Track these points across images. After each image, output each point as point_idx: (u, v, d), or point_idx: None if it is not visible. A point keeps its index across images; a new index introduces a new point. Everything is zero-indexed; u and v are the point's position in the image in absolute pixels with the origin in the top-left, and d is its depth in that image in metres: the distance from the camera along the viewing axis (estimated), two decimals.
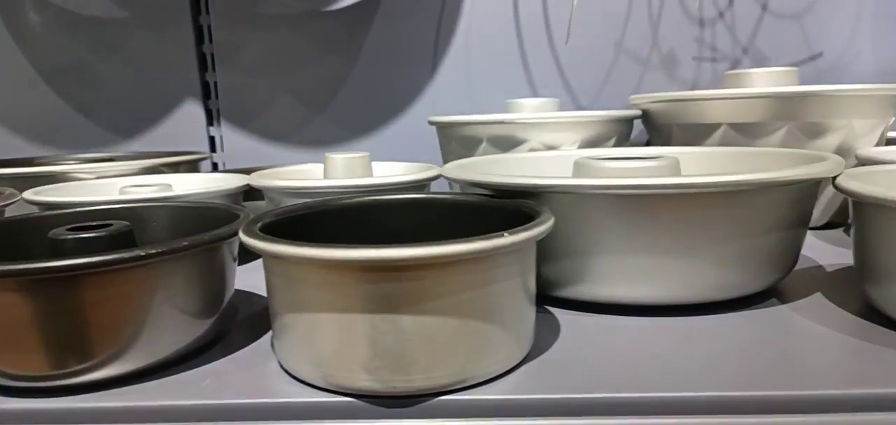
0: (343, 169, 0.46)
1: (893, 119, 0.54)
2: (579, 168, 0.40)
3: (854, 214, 0.33)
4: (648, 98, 0.57)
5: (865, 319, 0.32)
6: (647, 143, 0.62)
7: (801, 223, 0.35)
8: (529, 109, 0.60)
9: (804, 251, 0.45)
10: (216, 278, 0.29)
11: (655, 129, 0.59)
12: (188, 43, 0.72)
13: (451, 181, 0.40)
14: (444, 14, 0.71)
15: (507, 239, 0.24)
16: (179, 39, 0.73)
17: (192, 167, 0.61)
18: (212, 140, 0.75)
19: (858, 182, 0.31)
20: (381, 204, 0.34)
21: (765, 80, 0.56)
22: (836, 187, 0.33)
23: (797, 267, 0.40)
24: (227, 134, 0.75)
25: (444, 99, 0.72)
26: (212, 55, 0.73)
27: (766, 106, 0.49)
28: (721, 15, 0.70)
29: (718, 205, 0.31)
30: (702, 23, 0.70)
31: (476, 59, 0.72)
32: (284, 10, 0.72)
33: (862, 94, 0.49)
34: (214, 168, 0.75)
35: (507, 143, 0.54)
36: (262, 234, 0.25)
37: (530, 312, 0.28)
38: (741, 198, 0.31)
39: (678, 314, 0.33)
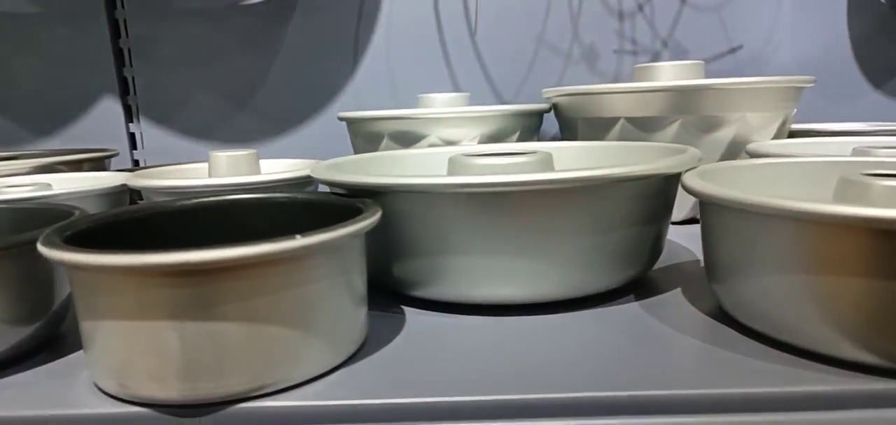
0: (227, 167, 0.46)
1: (794, 111, 0.54)
2: (451, 164, 0.39)
3: (700, 212, 0.33)
4: (554, 92, 0.56)
5: (714, 318, 0.31)
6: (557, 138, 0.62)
7: (656, 219, 0.35)
8: (438, 104, 0.59)
9: (679, 244, 0.45)
10: (34, 283, 0.28)
11: (564, 123, 0.59)
12: (104, 38, 0.71)
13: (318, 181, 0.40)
14: (363, 7, 0.70)
15: (296, 242, 0.23)
16: (95, 34, 0.71)
17: (98, 165, 0.60)
18: (132, 137, 0.74)
19: (700, 180, 0.31)
20: (222, 204, 0.33)
21: (669, 74, 0.56)
22: (682, 185, 0.33)
23: (667, 262, 0.41)
24: (146, 130, 0.73)
25: (366, 93, 0.72)
26: (129, 50, 0.72)
27: (661, 100, 0.49)
28: (640, 7, 0.69)
29: (559, 204, 0.31)
30: (621, 16, 0.70)
31: (397, 52, 0.71)
32: (201, 5, 0.70)
33: (753, 87, 0.49)
34: (136, 165, 0.74)
35: (407, 139, 0.53)
36: (56, 241, 0.25)
37: (354, 313, 0.28)
38: (583, 195, 0.31)
39: (531, 313, 0.33)
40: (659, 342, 0.29)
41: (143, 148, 0.74)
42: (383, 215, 0.29)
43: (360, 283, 0.28)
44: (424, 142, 0.53)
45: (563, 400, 0.24)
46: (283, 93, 0.72)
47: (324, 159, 0.52)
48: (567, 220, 0.31)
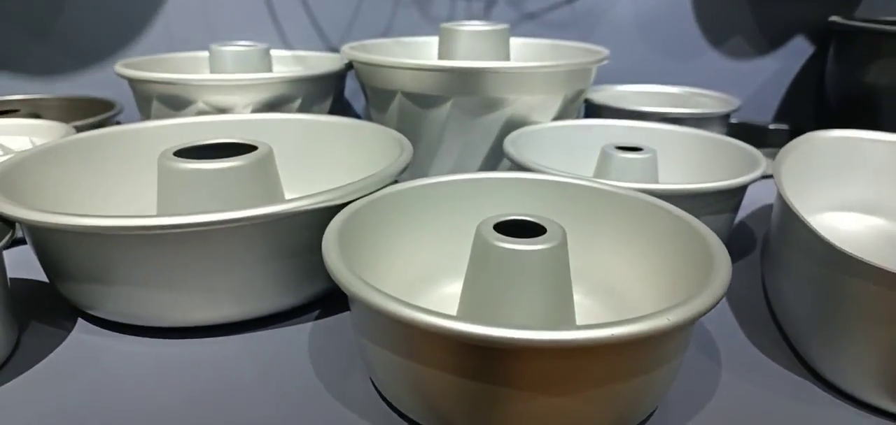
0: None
1: (587, 85, 0.52)
2: (159, 168, 0.37)
3: None
4: (347, 55, 0.53)
5: None
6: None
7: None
8: (228, 59, 0.56)
9: None
10: None
11: (361, 85, 0.56)
12: None
13: None
14: None
15: None
16: None
17: None
18: None
19: None
20: None
21: (467, 43, 0.53)
22: None
23: None
24: None
25: (178, 26, 0.66)
26: None
27: (434, 78, 0.47)
28: None
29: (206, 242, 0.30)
30: None
31: None
32: None
33: (529, 71, 0.47)
34: None
35: (176, 103, 0.50)
36: None
37: None
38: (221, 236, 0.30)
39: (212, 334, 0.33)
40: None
41: None
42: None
43: None
44: (192, 108, 0.50)
45: None
46: (88, 21, 0.65)
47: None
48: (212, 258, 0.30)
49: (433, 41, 0.64)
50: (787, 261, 0.34)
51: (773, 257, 0.37)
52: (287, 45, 0.66)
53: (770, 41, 0.70)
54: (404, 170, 0.36)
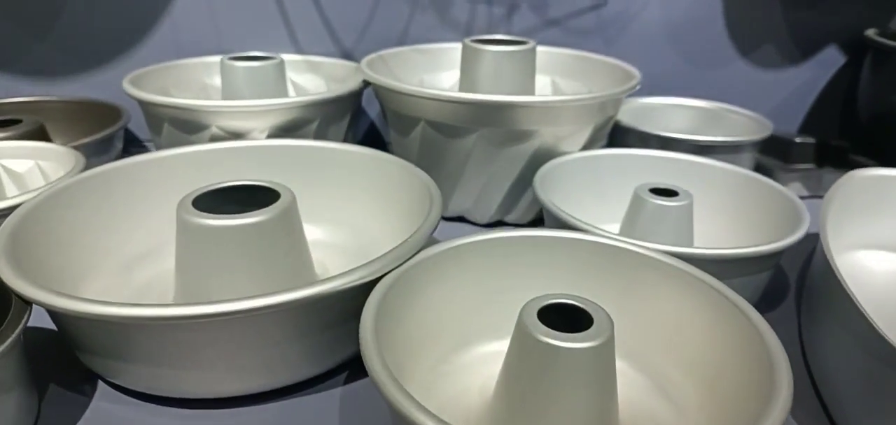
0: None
1: (616, 111, 0.50)
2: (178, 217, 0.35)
3: None
4: (368, 76, 0.50)
5: None
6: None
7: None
8: (244, 76, 0.53)
9: None
10: None
11: (380, 104, 0.54)
12: None
13: None
14: None
15: None
16: None
17: None
18: None
19: None
20: None
21: (490, 63, 0.51)
22: None
23: None
24: None
25: (186, 30, 0.63)
26: None
27: (463, 110, 0.45)
28: None
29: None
30: None
31: None
32: None
33: (554, 105, 0.45)
34: None
35: (188, 127, 0.48)
36: None
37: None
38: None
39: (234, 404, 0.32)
40: None
41: None
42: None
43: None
44: (206, 133, 0.48)
45: None
46: (86, 23, 0.63)
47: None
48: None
49: (453, 49, 0.61)
50: (832, 336, 0.33)
51: (815, 321, 0.36)
52: (298, 49, 0.64)
53: (802, 51, 0.68)
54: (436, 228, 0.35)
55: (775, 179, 0.62)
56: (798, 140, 0.69)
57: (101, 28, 0.62)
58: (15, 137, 0.52)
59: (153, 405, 0.31)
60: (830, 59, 0.68)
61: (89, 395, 0.32)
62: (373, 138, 0.68)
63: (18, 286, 0.28)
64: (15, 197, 0.37)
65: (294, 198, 0.36)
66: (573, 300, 0.28)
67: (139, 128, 0.62)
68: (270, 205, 0.35)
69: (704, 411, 0.30)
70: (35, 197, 0.36)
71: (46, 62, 0.63)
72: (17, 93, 0.64)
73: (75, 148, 0.49)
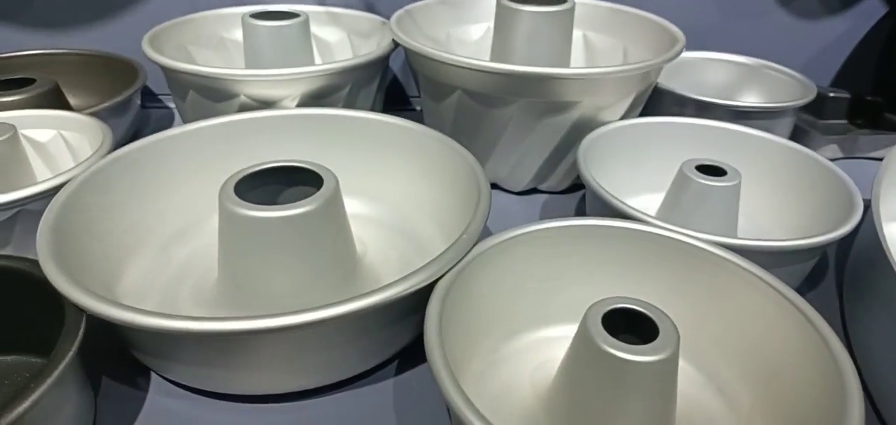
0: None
1: (650, 84, 0.48)
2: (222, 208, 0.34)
3: None
4: (400, 38, 0.48)
5: None
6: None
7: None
8: (266, 35, 0.50)
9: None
10: None
11: (410, 66, 0.51)
12: None
13: None
14: None
15: None
16: None
17: None
18: None
19: None
20: None
21: (526, 24, 0.48)
22: None
23: None
24: None
25: None
26: None
27: (499, 81, 0.43)
28: None
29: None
30: None
31: None
32: None
33: (599, 77, 0.43)
34: None
35: (215, 95, 0.46)
36: None
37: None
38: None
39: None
40: None
41: None
42: None
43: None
44: (234, 101, 0.46)
45: None
46: None
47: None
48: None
49: (481, 1, 0.59)
50: (876, 314, 0.33)
51: (859, 298, 0.36)
52: None
53: (842, 0, 0.65)
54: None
55: (811, 141, 0.61)
56: (832, 94, 0.66)
57: None
58: (31, 99, 0.50)
59: (209, 400, 0.32)
60: (871, 10, 0.65)
61: (144, 389, 0.32)
62: (396, 94, 0.66)
63: (75, 295, 0.27)
64: (47, 180, 0.36)
65: (338, 184, 0.35)
66: (638, 305, 0.28)
67: (155, 82, 0.60)
68: (313, 185, 0.35)
69: (758, 409, 0.30)
70: (70, 184, 0.35)
71: (52, 13, 0.60)
72: (24, 45, 0.61)
73: (96, 114, 0.48)
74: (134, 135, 0.55)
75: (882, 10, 0.66)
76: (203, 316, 0.27)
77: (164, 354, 0.30)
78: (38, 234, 0.31)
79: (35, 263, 0.30)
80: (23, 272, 0.30)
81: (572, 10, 0.49)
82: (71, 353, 0.26)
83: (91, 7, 0.61)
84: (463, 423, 0.23)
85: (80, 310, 0.28)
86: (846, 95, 0.66)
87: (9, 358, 0.32)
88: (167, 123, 0.61)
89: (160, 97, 0.64)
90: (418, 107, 0.66)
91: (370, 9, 0.61)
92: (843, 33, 0.67)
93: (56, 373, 0.25)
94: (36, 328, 0.30)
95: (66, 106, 0.53)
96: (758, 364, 0.31)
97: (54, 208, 0.33)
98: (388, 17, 0.58)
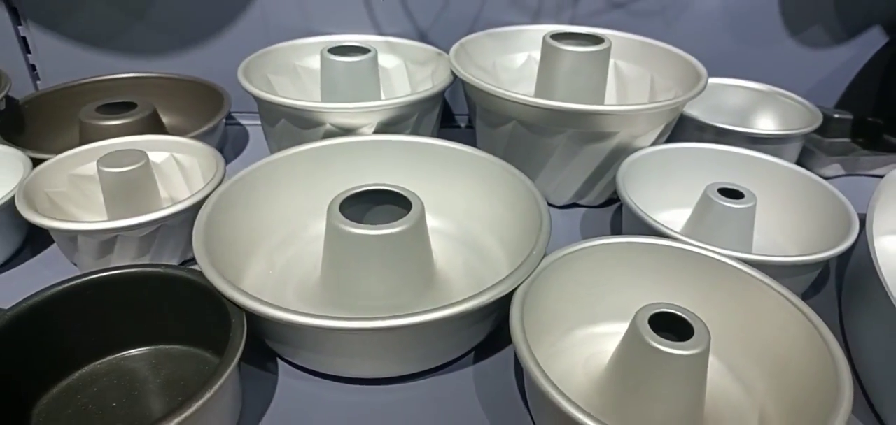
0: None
1: (677, 115, 0.56)
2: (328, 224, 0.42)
3: None
4: (460, 73, 0.55)
5: None
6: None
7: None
8: (342, 69, 0.58)
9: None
10: None
11: (466, 96, 0.59)
12: None
13: None
14: None
15: None
16: None
17: None
18: (24, 41, 0.69)
19: None
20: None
21: (569, 63, 0.55)
22: None
23: None
24: (37, 36, 0.68)
25: (276, 14, 0.67)
26: None
27: (549, 115, 0.50)
28: None
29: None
30: None
31: None
32: None
33: (634, 112, 0.50)
34: (33, 70, 0.70)
35: (304, 123, 0.54)
36: None
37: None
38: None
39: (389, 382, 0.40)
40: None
41: (36, 53, 0.69)
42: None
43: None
44: (320, 129, 0.53)
45: None
46: (183, 5, 0.67)
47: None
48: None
49: (522, 32, 0.66)
50: (868, 320, 0.40)
51: (854, 305, 0.43)
52: (377, 28, 0.68)
53: (847, 31, 0.71)
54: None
55: (816, 159, 0.68)
56: (836, 115, 0.74)
57: (188, 12, 0.67)
58: (135, 123, 0.58)
59: (328, 381, 0.39)
60: (873, 39, 0.72)
61: (274, 372, 0.40)
62: (445, 113, 0.73)
63: (242, 300, 0.35)
64: (184, 200, 0.44)
65: (423, 207, 0.43)
66: (675, 310, 0.36)
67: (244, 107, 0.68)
68: (398, 204, 0.43)
69: (770, 395, 0.38)
70: (207, 203, 0.43)
71: (141, 41, 0.68)
72: (116, 70, 0.68)
73: (197, 137, 0.55)
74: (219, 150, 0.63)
75: (883, 39, 0.72)
76: (334, 315, 0.34)
77: (297, 343, 0.37)
78: (194, 248, 0.39)
79: (195, 272, 0.37)
80: (183, 278, 0.38)
81: (609, 49, 0.57)
82: (241, 347, 0.33)
83: (181, 35, 0.68)
84: (543, 393, 0.31)
85: (240, 309, 0.35)
86: (849, 116, 0.73)
87: (179, 347, 0.40)
88: (242, 139, 0.68)
89: (233, 114, 0.72)
90: (462, 125, 0.74)
91: (423, 38, 0.68)
92: (847, 59, 0.73)
93: (234, 362, 0.32)
94: (198, 325, 0.38)
95: (161, 126, 0.61)
96: (770, 358, 0.38)
97: (201, 225, 0.41)
98: (439, 46, 0.65)
